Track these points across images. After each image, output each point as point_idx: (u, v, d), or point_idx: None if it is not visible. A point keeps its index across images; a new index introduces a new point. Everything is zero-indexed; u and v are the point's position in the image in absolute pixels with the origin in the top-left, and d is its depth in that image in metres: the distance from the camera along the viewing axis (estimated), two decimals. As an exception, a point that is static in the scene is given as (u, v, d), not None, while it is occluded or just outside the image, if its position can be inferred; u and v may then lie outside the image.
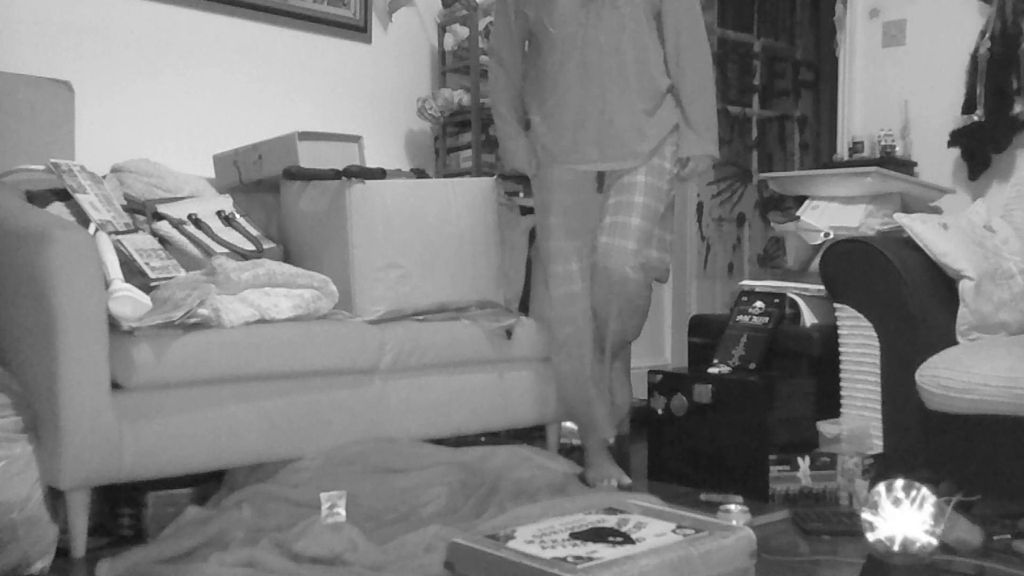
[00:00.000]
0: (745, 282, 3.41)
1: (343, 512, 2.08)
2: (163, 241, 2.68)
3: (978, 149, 3.84)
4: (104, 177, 2.75)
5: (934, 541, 1.92)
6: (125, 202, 2.72)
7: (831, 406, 2.89)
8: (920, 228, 2.81)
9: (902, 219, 2.88)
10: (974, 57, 3.82)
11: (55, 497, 2.12)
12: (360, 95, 3.79)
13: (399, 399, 2.72)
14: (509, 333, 2.95)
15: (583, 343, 2.88)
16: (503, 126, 3.00)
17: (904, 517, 1.95)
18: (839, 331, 2.88)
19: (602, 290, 2.80)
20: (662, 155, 2.84)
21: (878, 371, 2.76)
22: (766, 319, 3.13)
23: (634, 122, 2.80)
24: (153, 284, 2.43)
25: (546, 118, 2.85)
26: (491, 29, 3.31)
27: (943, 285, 2.76)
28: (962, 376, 2.45)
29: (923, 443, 2.63)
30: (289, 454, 2.45)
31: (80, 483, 2.15)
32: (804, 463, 2.69)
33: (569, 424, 3.41)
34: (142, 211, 2.74)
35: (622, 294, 2.78)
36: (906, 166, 4.04)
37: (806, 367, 3.02)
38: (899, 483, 1.98)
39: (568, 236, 2.85)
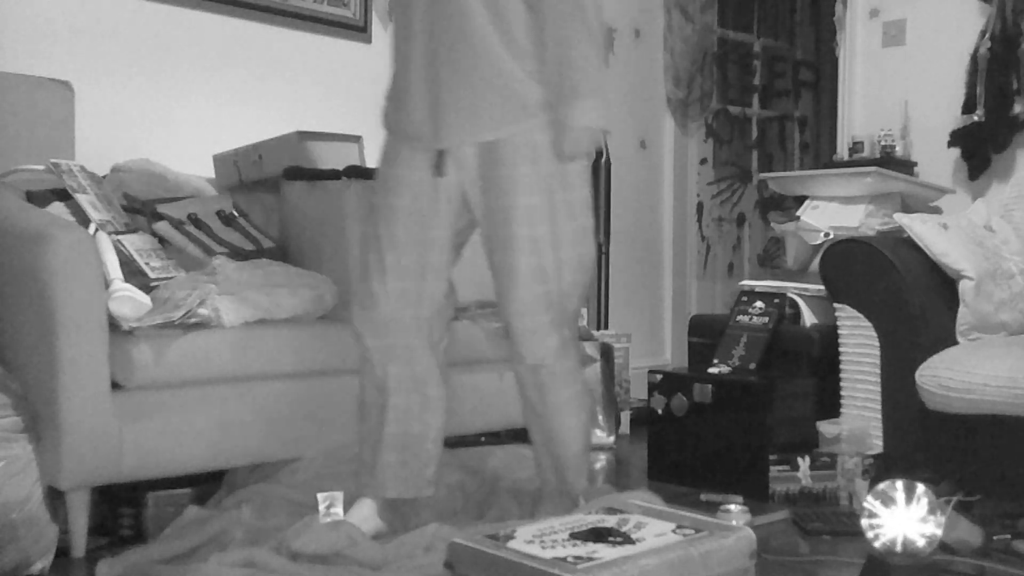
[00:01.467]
0: (745, 282, 3.41)
1: (340, 510, 2.08)
2: (163, 241, 2.67)
3: (978, 149, 3.84)
4: (104, 177, 2.75)
5: (934, 541, 1.92)
6: (125, 202, 2.71)
7: (831, 406, 2.89)
8: (920, 228, 2.81)
9: (902, 219, 2.88)
10: (974, 57, 3.83)
11: (55, 497, 2.12)
12: (360, 95, 3.78)
13: (399, 399, 2.72)
14: (509, 333, 2.95)
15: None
16: None
17: (904, 517, 1.95)
18: (839, 331, 2.88)
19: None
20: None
21: (878, 371, 2.76)
22: (766, 319, 3.13)
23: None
24: (153, 284, 2.43)
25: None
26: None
27: (943, 285, 2.76)
28: (962, 376, 2.45)
29: (923, 443, 2.63)
30: (289, 454, 2.45)
31: (80, 483, 2.15)
32: (804, 463, 2.69)
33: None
34: (142, 211, 2.74)
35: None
36: (906, 166, 4.05)
37: (806, 367, 3.02)
38: (899, 483, 1.99)
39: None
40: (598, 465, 3.28)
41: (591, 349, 3.55)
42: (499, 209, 2.08)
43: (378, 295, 2.14)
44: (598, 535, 1.73)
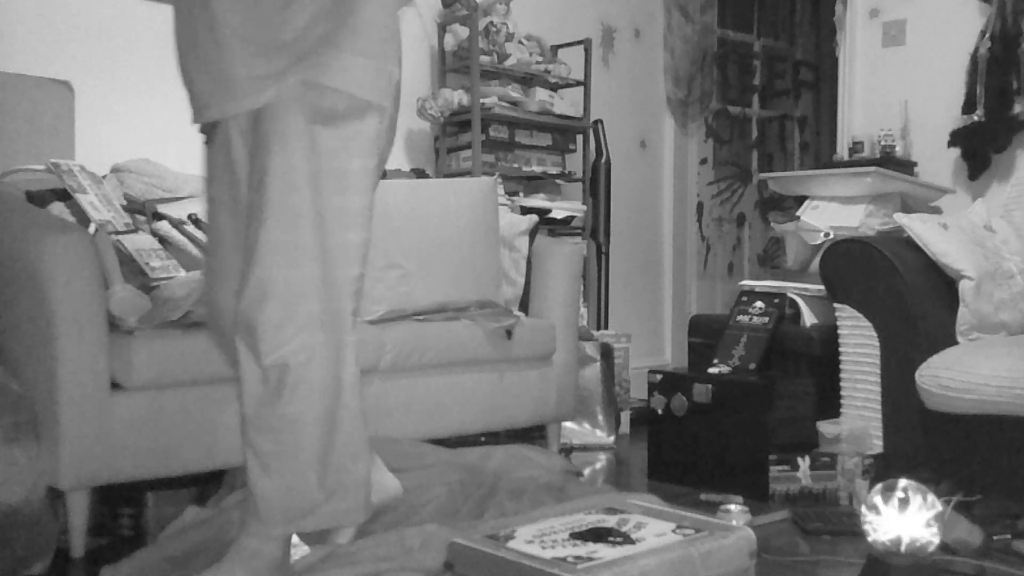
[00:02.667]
0: (745, 282, 3.41)
1: (304, 546, 2.03)
2: (163, 241, 2.68)
3: (978, 149, 3.85)
4: (104, 177, 2.75)
5: (934, 541, 1.92)
6: (125, 202, 2.72)
7: (831, 406, 2.89)
8: (920, 228, 2.81)
9: (902, 219, 2.88)
10: (974, 57, 3.83)
11: (55, 497, 2.12)
12: (360, 95, 3.78)
13: (399, 399, 2.72)
14: (509, 333, 2.95)
15: None
16: None
17: (904, 517, 1.95)
18: (839, 331, 2.88)
19: None
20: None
21: (878, 371, 2.76)
22: (766, 319, 3.13)
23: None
24: (153, 284, 2.43)
25: None
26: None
27: (943, 285, 2.76)
28: (962, 376, 2.45)
29: (923, 443, 2.63)
30: (289, 454, 2.45)
31: (80, 483, 2.15)
32: (804, 463, 2.69)
33: (570, 424, 3.42)
34: (142, 211, 2.74)
35: None
36: (906, 166, 4.05)
37: (806, 367, 3.02)
38: (899, 483, 1.98)
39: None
40: (598, 465, 3.28)
41: (591, 349, 3.56)
42: (255, 171, 1.76)
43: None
44: (598, 535, 1.73)
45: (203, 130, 1.88)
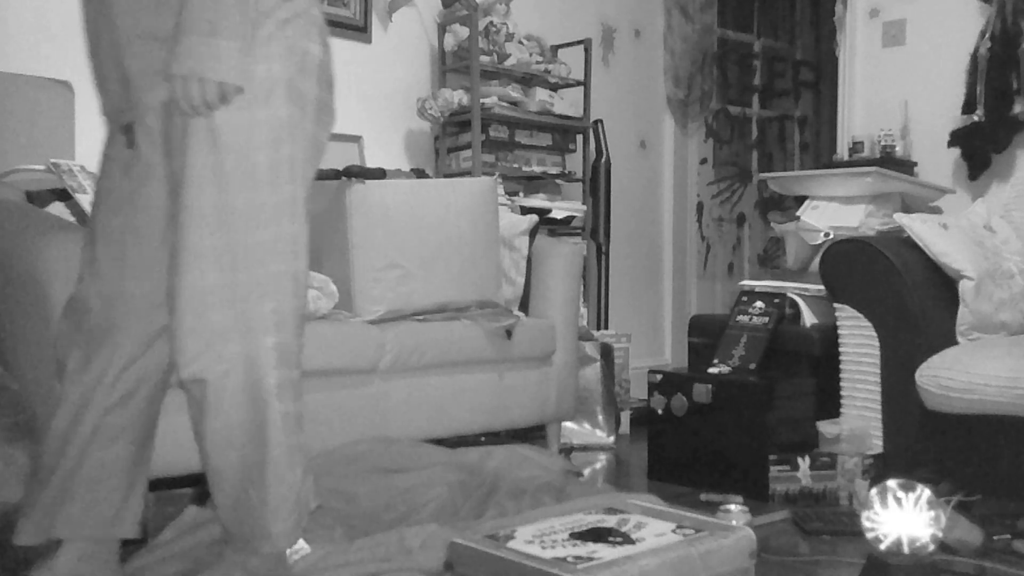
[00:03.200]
0: (745, 282, 3.41)
1: (306, 546, 2.03)
2: (163, 241, 2.67)
3: (978, 149, 3.84)
4: (104, 177, 2.75)
5: (934, 541, 1.92)
6: (125, 202, 2.71)
7: (831, 406, 2.89)
8: (920, 228, 2.81)
9: (902, 219, 2.88)
10: (974, 57, 3.83)
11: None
12: (360, 95, 3.79)
13: (399, 399, 2.72)
14: (509, 333, 2.95)
15: None
16: None
17: (904, 517, 1.95)
18: (839, 331, 2.88)
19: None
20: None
21: (878, 371, 2.76)
22: (766, 319, 3.13)
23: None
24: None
25: None
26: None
27: (943, 285, 2.76)
28: (962, 376, 2.45)
29: (923, 443, 2.63)
30: (289, 454, 2.45)
31: (80, 483, 2.15)
32: (804, 463, 2.69)
33: (570, 424, 3.42)
34: (142, 211, 2.74)
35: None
36: (906, 166, 4.05)
37: (806, 367, 3.02)
38: (899, 483, 1.98)
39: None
40: (598, 465, 3.28)
41: (591, 349, 3.56)
42: (170, 175, 1.68)
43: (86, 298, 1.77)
44: (598, 535, 1.73)
45: (123, 132, 1.77)
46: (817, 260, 3.10)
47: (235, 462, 1.69)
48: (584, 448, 3.48)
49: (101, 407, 1.76)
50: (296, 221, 1.71)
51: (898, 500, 1.98)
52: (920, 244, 2.79)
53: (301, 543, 1.90)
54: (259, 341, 1.67)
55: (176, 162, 1.65)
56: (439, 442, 2.73)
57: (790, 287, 3.22)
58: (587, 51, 4.13)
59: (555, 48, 4.10)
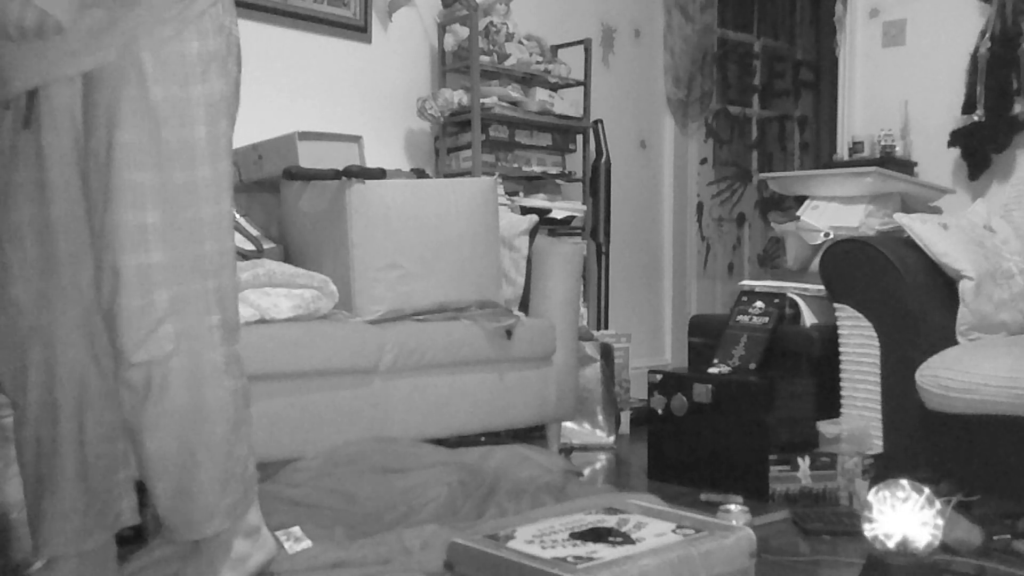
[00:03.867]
0: (745, 282, 3.41)
1: (307, 540, 2.04)
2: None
3: (978, 149, 3.85)
4: (104, 177, 2.75)
5: (934, 541, 1.92)
6: (125, 202, 2.71)
7: (831, 406, 2.89)
8: (920, 228, 2.81)
9: (902, 219, 2.89)
10: (974, 57, 3.83)
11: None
12: (360, 95, 3.79)
13: (399, 399, 2.72)
14: (509, 333, 2.96)
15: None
16: None
17: (904, 517, 1.95)
18: (839, 331, 2.88)
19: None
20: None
21: (878, 371, 2.76)
22: (766, 319, 3.13)
23: None
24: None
25: None
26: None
27: (943, 285, 2.76)
28: (962, 376, 2.45)
29: (923, 443, 2.63)
30: (289, 454, 2.45)
31: (80, 483, 2.15)
32: (804, 463, 2.69)
33: (570, 424, 3.42)
34: (142, 211, 2.73)
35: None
36: (906, 166, 4.05)
37: (806, 367, 3.02)
38: (899, 483, 1.98)
39: None
40: (598, 465, 3.28)
41: (591, 349, 3.56)
42: (94, 148, 1.59)
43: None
44: (598, 535, 1.73)
45: (5, 106, 1.64)
46: (817, 260, 3.10)
47: (178, 445, 1.65)
48: (584, 448, 3.48)
49: (72, 408, 1.71)
50: (230, 198, 1.69)
51: (898, 500, 1.98)
52: (920, 244, 2.79)
53: (301, 534, 1.91)
54: (204, 320, 1.64)
55: (98, 139, 1.58)
56: (439, 442, 2.73)
57: (790, 287, 3.22)
58: (587, 51, 4.13)
59: (555, 48, 4.10)
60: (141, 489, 2.31)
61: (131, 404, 1.63)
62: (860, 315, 2.81)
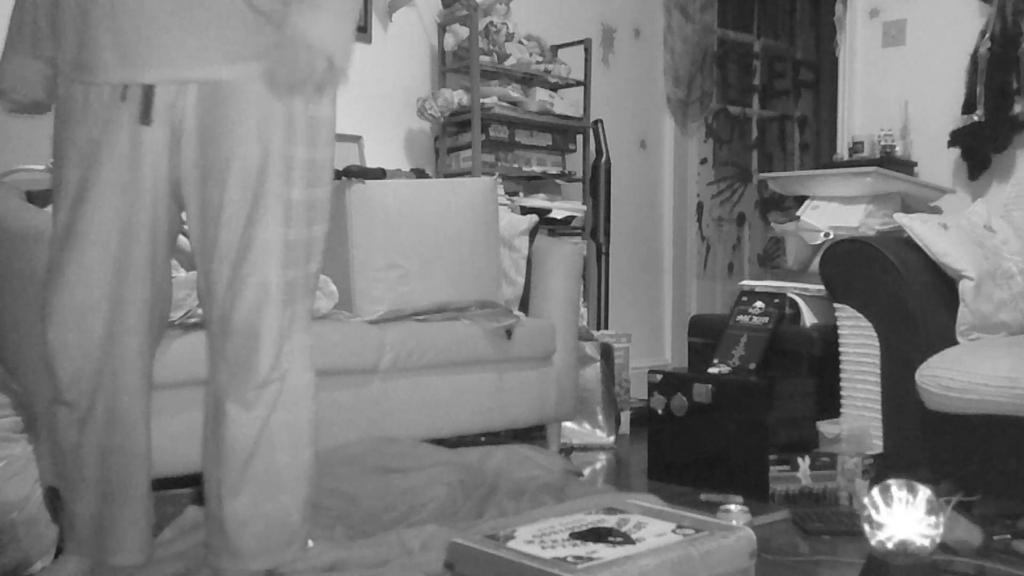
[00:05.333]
0: (745, 282, 3.41)
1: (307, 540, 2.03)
2: (163, 241, 2.67)
3: (978, 149, 3.84)
4: (104, 177, 2.75)
5: (934, 541, 1.92)
6: (125, 202, 2.71)
7: (831, 406, 2.89)
8: (920, 228, 2.81)
9: (902, 219, 2.89)
10: (974, 57, 3.82)
11: (55, 497, 2.12)
12: (360, 95, 3.78)
13: (399, 399, 2.72)
14: (509, 333, 2.95)
15: None
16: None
17: (904, 517, 1.95)
18: (839, 331, 2.88)
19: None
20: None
21: (878, 371, 2.76)
22: (766, 319, 3.13)
23: None
24: (153, 284, 2.42)
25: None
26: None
27: (943, 285, 2.76)
28: (962, 376, 2.45)
29: (923, 443, 2.63)
30: (289, 454, 2.45)
31: (80, 483, 2.15)
32: (804, 463, 2.69)
33: (570, 424, 3.42)
34: (142, 211, 2.73)
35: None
36: (906, 166, 4.04)
37: (806, 367, 3.02)
38: (899, 483, 1.98)
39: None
40: (598, 465, 3.28)
41: (591, 349, 3.56)
42: (223, 158, 1.58)
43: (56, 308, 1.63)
44: (598, 535, 1.73)
45: (123, 97, 1.58)
46: (817, 260, 3.10)
47: (285, 462, 1.66)
48: (584, 448, 3.48)
49: (141, 418, 1.71)
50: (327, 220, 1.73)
51: (898, 500, 1.98)
52: (920, 244, 2.79)
53: None
54: (305, 339, 1.70)
55: (219, 150, 1.56)
56: (439, 442, 2.73)
57: (790, 287, 3.22)
58: (587, 51, 4.13)
59: (555, 48, 4.10)
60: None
61: (247, 421, 1.62)
62: (860, 315, 2.81)
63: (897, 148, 4.12)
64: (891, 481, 1.98)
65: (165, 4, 1.51)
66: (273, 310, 1.61)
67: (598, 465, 3.28)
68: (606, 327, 4.21)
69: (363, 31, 3.80)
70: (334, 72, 1.56)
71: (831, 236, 3.31)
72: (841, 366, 2.88)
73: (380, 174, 2.91)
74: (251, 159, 1.57)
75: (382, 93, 3.87)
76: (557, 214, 3.87)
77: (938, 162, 4.03)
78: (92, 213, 1.59)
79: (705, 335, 3.33)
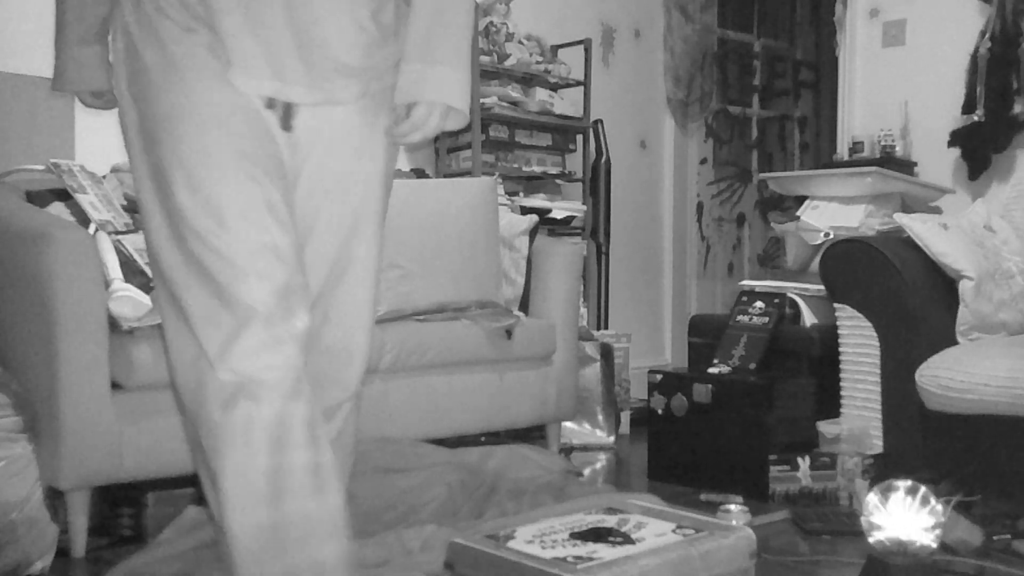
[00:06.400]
0: (745, 282, 3.41)
1: None
2: (163, 241, 2.67)
3: (978, 149, 3.84)
4: (104, 177, 2.75)
5: (934, 541, 1.92)
6: (125, 202, 2.71)
7: (831, 406, 2.89)
8: (920, 228, 2.81)
9: (902, 219, 2.89)
10: (974, 57, 3.82)
11: (55, 497, 2.12)
12: (360, 95, 3.78)
13: (399, 399, 2.72)
14: (509, 333, 2.95)
15: None
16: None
17: (904, 517, 1.95)
18: (839, 331, 2.88)
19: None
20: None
21: (878, 371, 2.76)
22: (766, 319, 3.13)
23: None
24: (153, 284, 2.43)
25: None
26: None
27: (943, 285, 2.76)
28: (962, 376, 2.45)
29: (923, 443, 2.63)
30: (289, 454, 2.45)
31: (80, 483, 2.15)
32: (804, 463, 2.69)
33: (570, 424, 3.42)
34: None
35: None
36: (906, 166, 4.04)
37: (806, 367, 3.02)
38: (899, 483, 1.98)
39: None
40: (598, 465, 3.28)
41: (591, 349, 3.56)
42: (344, 173, 1.57)
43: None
44: (598, 535, 1.73)
45: (269, 105, 1.50)
46: (817, 260, 3.10)
47: (344, 466, 1.66)
48: (584, 448, 3.48)
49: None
50: None
51: (898, 500, 1.98)
52: (920, 244, 2.79)
53: None
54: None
55: (368, 165, 1.57)
56: (439, 442, 2.73)
57: (790, 287, 3.22)
58: (587, 51, 4.13)
59: (555, 48, 4.10)
60: (131, 497, 2.31)
61: (346, 430, 1.65)
62: (860, 315, 2.81)
63: (897, 148, 4.12)
64: (891, 481, 1.98)
65: (312, 12, 1.46)
66: (368, 327, 1.61)
67: (598, 465, 3.28)
68: (606, 327, 4.21)
69: (363, 31, 3.80)
70: (459, 117, 1.56)
71: (831, 236, 3.31)
72: (841, 366, 2.88)
73: (380, 174, 2.91)
74: (358, 175, 1.57)
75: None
76: (557, 214, 3.87)
77: (938, 162, 4.03)
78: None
79: (705, 335, 3.33)
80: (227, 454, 1.34)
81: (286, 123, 1.50)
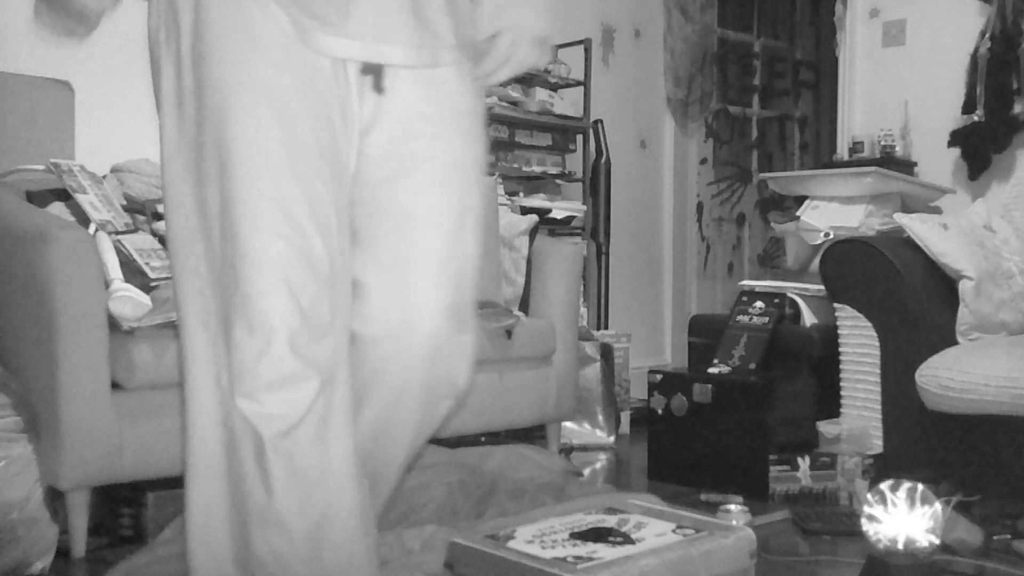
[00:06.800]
0: (745, 282, 3.41)
1: None
2: (163, 241, 2.67)
3: (978, 149, 3.84)
4: (104, 177, 2.75)
5: (934, 541, 1.92)
6: (125, 202, 2.72)
7: (831, 406, 2.89)
8: (920, 228, 2.81)
9: (902, 219, 2.89)
10: (974, 57, 3.83)
11: (55, 497, 2.12)
12: (360, 95, 3.78)
13: (399, 399, 2.72)
14: (509, 333, 2.95)
15: None
16: None
17: (904, 517, 1.95)
18: (839, 331, 2.88)
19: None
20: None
21: (878, 371, 2.76)
22: (766, 319, 3.13)
23: None
24: (153, 284, 2.43)
25: None
26: None
27: (943, 285, 2.76)
28: (962, 376, 2.45)
29: (923, 443, 2.63)
30: (289, 454, 2.45)
31: (80, 483, 2.15)
32: (804, 463, 2.69)
33: (570, 424, 3.42)
34: (142, 211, 2.74)
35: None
36: (906, 166, 4.05)
37: (806, 367, 3.02)
38: (899, 483, 1.98)
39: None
40: (598, 465, 3.28)
41: (591, 349, 3.56)
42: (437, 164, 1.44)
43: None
44: (598, 535, 1.73)
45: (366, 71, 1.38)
46: (817, 260, 3.10)
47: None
48: (584, 448, 3.48)
49: None
50: None
51: (898, 500, 1.98)
52: (920, 244, 2.79)
53: None
54: None
55: (466, 139, 1.44)
56: (439, 442, 2.73)
57: (790, 287, 3.22)
58: (587, 51, 4.13)
59: (555, 48, 4.10)
60: (131, 497, 2.31)
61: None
62: (860, 315, 2.81)
63: (897, 148, 4.12)
64: (891, 481, 1.98)
65: None
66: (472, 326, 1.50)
67: (598, 465, 3.28)
68: (606, 327, 4.21)
69: (363, 31, 3.80)
70: (545, 49, 1.43)
71: (831, 236, 3.31)
72: (841, 366, 2.88)
73: (380, 174, 2.91)
74: (454, 126, 1.44)
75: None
76: (557, 214, 3.87)
77: (938, 162, 4.03)
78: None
79: (705, 335, 3.33)
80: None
81: (378, 85, 1.36)
